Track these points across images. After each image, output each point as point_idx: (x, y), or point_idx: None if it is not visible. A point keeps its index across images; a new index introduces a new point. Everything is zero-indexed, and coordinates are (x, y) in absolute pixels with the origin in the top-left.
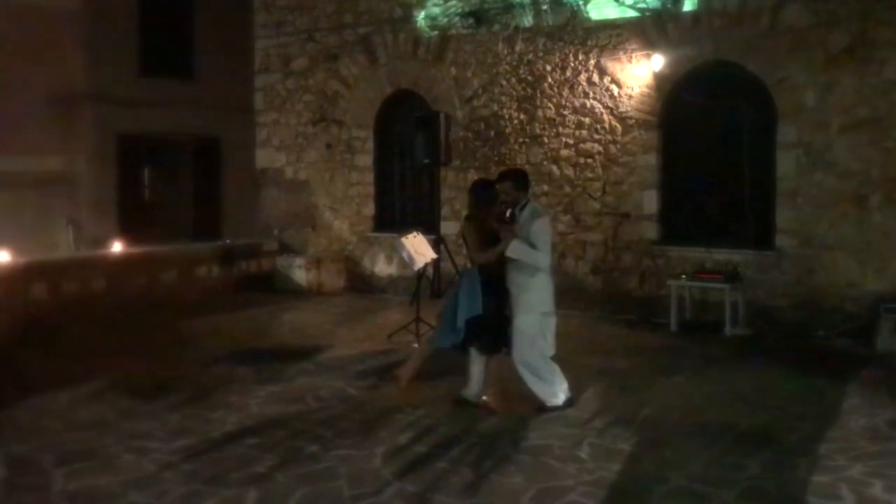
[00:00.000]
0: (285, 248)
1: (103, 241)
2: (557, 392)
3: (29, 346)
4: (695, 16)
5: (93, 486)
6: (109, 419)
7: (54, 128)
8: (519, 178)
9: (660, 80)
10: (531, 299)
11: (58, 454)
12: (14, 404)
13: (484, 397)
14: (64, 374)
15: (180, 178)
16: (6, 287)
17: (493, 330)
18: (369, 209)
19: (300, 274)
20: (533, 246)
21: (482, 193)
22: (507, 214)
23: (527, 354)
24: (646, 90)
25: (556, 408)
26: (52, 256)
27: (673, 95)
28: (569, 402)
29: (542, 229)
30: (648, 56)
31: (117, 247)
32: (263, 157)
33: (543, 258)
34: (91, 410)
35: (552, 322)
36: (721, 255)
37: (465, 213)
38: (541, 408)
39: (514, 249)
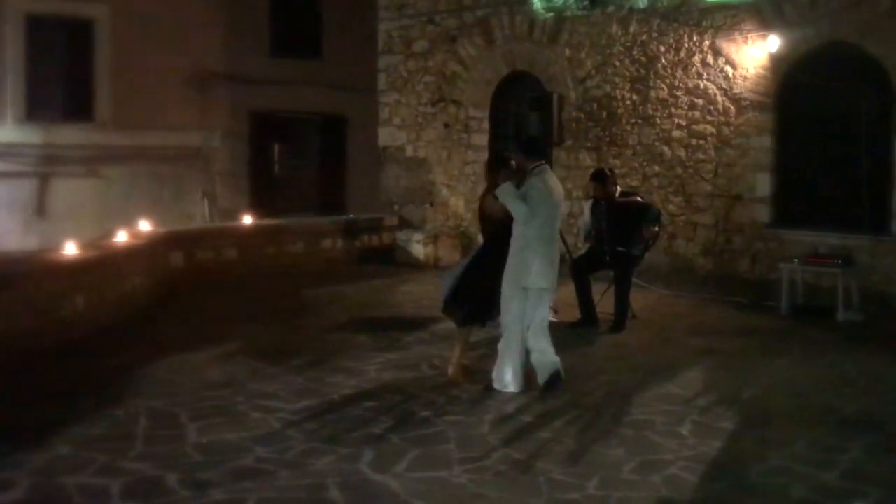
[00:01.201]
0: (405, 223)
1: (235, 214)
2: (503, 377)
3: (167, 310)
4: None
5: (223, 440)
6: (239, 379)
7: (191, 105)
8: (523, 143)
9: (775, 61)
10: (511, 267)
11: (192, 410)
12: (153, 363)
13: (450, 369)
14: (198, 336)
15: (308, 155)
16: (148, 255)
17: (470, 301)
18: (484, 187)
19: (418, 248)
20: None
21: (494, 164)
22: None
23: (502, 322)
24: (761, 71)
25: (501, 391)
26: (188, 227)
27: (789, 77)
28: (521, 389)
29: (534, 186)
30: (764, 37)
31: (248, 219)
32: (385, 136)
33: (519, 208)
34: (222, 371)
35: (539, 298)
36: (835, 240)
37: (575, 193)
38: (486, 386)
39: (500, 190)
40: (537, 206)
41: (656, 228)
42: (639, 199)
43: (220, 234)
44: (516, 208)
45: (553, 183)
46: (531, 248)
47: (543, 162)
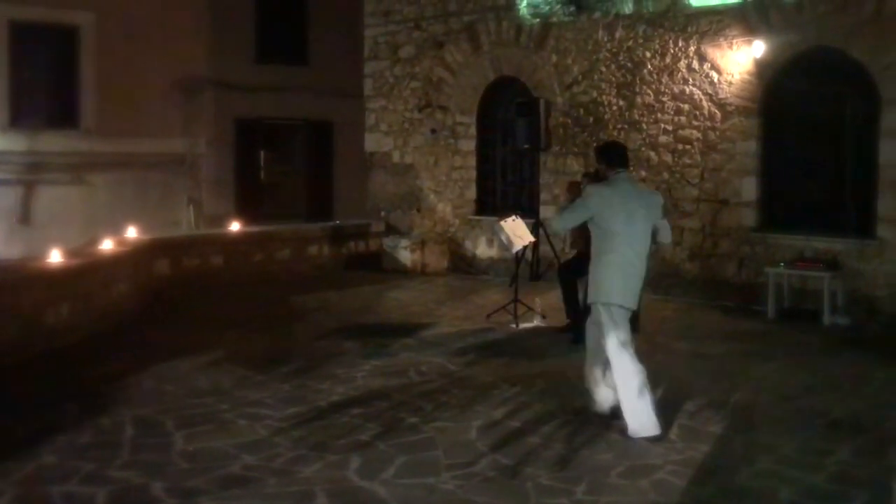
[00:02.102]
0: (392, 230)
1: (221, 220)
2: (594, 397)
3: (153, 317)
4: (797, 1)
5: (210, 448)
6: (226, 387)
7: (177, 112)
8: (600, 149)
9: (761, 66)
10: (592, 285)
11: (178, 417)
12: (139, 371)
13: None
14: (184, 344)
15: (294, 161)
16: (133, 262)
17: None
18: (471, 193)
19: (405, 254)
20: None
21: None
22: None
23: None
24: (746, 77)
25: (594, 413)
26: (174, 233)
27: (774, 82)
28: (608, 416)
29: (584, 194)
30: (750, 42)
31: (235, 225)
32: (372, 142)
33: (555, 219)
34: (209, 378)
35: (617, 316)
36: (821, 244)
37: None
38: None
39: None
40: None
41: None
42: None
43: (206, 241)
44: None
45: (624, 188)
46: (606, 260)
47: (622, 169)
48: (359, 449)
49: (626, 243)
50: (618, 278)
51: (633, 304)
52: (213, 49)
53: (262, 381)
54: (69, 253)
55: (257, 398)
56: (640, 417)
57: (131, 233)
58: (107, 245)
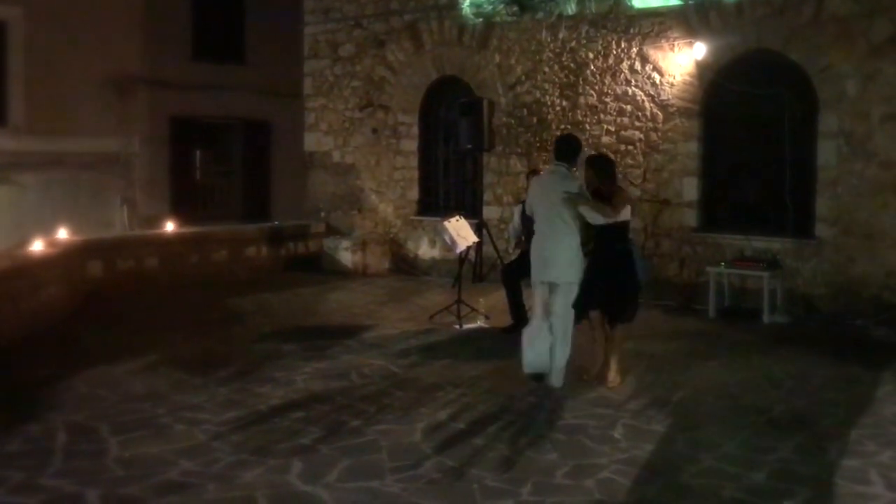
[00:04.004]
0: (332, 230)
1: (156, 221)
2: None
3: (85, 320)
4: (737, 4)
5: (146, 454)
6: (162, 391)
7: (109, 110)
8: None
9: (702, 68)
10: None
11: (113, 423)
12: (71, 376)
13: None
14: (119, 347)
15: (231, 161)
16: (64, 264)
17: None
18: (413, 193)
19: (346, 255)
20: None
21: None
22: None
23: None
24: (687, 78)
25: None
26: (107, 235)
27: (714, 84)
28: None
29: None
30: (691, 44)
31: (170, 226)
32: (312, 141)
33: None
34: (144, 382)
35: (534, 287)
36: (760, 243)
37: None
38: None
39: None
40: (528, 204)
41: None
42: None
43: (140, 243)
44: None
45: (544, 180)
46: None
47: (557, 163)
48: (301, 453)
49: (538, 229)
50: (534, 258)
51: (547, 278)
52: (147, 45)
53: (200, 384)
54: None
55: (195, 402)
56: (525, 357)
57: (62, 234)
58: (36, 246)
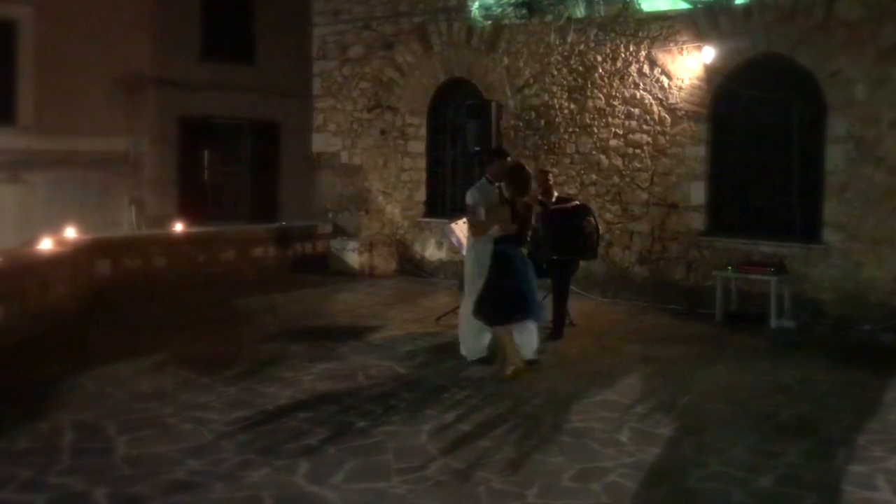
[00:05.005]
0: (339, 231)
1: (164, 221)
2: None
3: (94, 319)
4: (747, 8)
5: (153, 453)
6: (169, 390)
7: (119, 110)
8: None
9: (710, 72)
10: None
11: (121, 422)
12: (79, 374)
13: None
14: (127, 346)
15: (239, 161)
16: (72, 263)
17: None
18: (421, 195)
19: (353, 256)
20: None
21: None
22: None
23: None
24: (696, 82)
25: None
26: (115, 234)
27: (723, 88)
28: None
29: None
30: (699, 48)
31: (178, 226)
32: (320, 142)
33: None
34: (152, 382)
35: None
36: (768, 248)
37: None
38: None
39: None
40: None
41: (593, 220)
42: (576, 203)
43: (148, 242)
44: None
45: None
46: None
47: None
48: (307, 453)
49: None
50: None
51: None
52: (156, 45)
53: (207, 384)
54: (5, 253)
55: (202, 402)
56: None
57: (71, 233)
58: (45, 245)
